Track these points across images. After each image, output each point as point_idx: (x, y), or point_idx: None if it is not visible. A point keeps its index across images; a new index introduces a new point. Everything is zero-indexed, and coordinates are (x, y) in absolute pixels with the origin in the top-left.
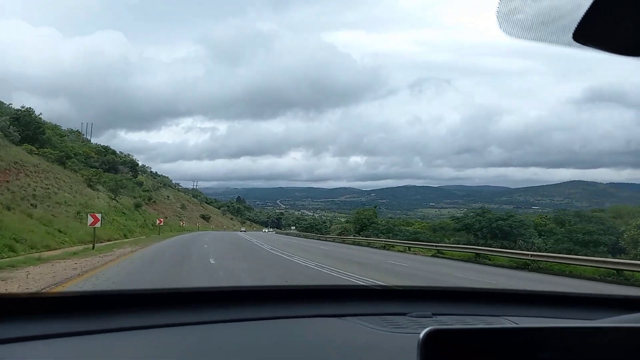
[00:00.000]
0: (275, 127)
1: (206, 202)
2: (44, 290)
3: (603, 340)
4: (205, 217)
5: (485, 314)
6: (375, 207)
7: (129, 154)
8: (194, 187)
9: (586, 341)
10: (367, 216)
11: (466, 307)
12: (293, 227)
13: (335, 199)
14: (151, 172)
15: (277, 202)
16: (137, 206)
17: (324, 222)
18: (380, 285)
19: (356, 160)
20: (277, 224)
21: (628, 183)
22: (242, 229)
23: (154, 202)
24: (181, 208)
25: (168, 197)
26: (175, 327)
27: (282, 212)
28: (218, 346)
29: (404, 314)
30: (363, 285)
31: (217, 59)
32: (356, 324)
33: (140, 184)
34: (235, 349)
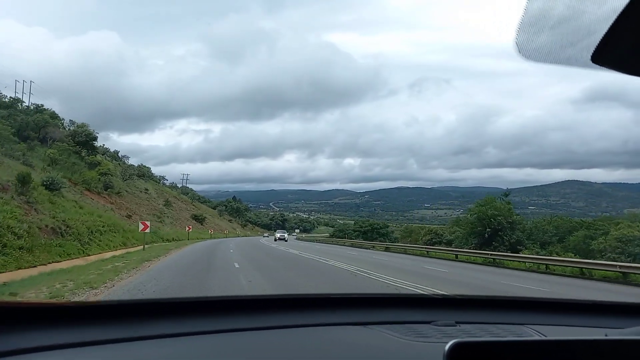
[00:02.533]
0: (271, 128)
1: (199, 201)
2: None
3: (629, 352)
4: (199, 218)
5: (510, 322)
6: (507, 200)
7: (84, 124)
8: (183, 180)
9: (620, 354)
10: (500, 212)
11: (490, 315)
12: (297, 230)
13: (329, 201)
14: (126, 159)
15: (270, 204)
16: (50, 187)
17: (385, 226)
18: (406, 294)
19: (350, 162)
20: (281, 226)
21: (622, 183)
22: (266, 235)
23: (119, 193)
24: (164, 205)
25: (146, 190)
26: (201, 335)
27: (282, 214)
28: (245, 354)
29: (429, 322)
30: (389, 294)
31: (215, 57)
32: (381, 332)
33: (94, 164)
34: (261, 356)
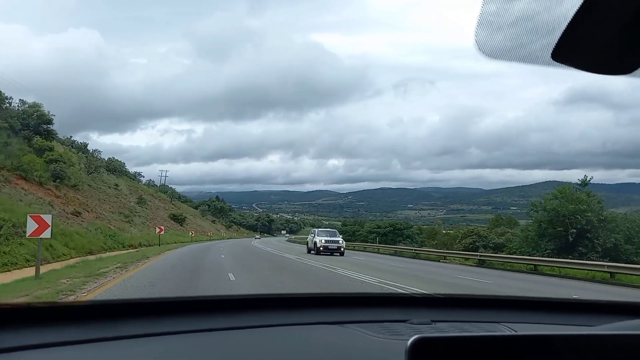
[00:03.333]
0: (255, 128)
1: (179, 200)
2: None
3: (594, 347)
4: (178, 219)
5: (484, 320)
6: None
7: (36, 104)
8: (161, 177)
9: (569, 348)
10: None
11: (466, 313)
12: (284, 232)
13: (312, 202)
14: (98, 152)
15: (253, 205)
16: None
17: (409, 226)
18: (383, 293)
19: (334, 162)
20: (268, 227)
21: (601, 183)
22: (257, 237)
23: (75, 186)
24: (137, 203)
25: (116, 186)
26: (180, 334)
27: (268, 215)
28: (222, 353)
29: (404, 321)
30: (365, 293)
31: (199, 55)
32: (355, 331)
33: (42, 150)
34: (238, 356)
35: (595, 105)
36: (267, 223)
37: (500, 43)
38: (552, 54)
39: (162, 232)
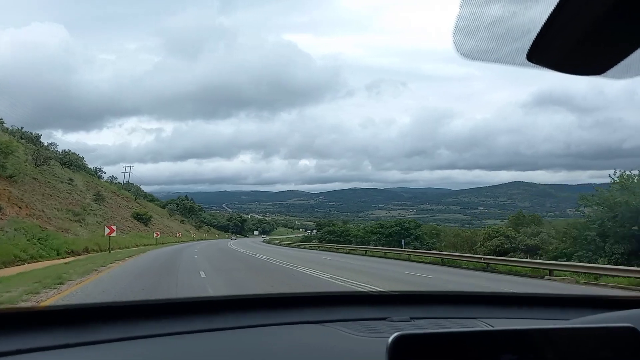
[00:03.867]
0: (226, 128)
1: (145, 199)
2: None
3: (566, 340)
4: (142, 218)
5: (462, 316)
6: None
7: None
8: (125, 173)
9: (543, 341)
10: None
11: (444, 310)
12: (256, 232)
13: (283, 202)
14: (54, 146)
15: (223, 205)
16: None
17: (417, 225)
18: (362, 291)
19: (306, 163)
20: (240, 228)
21: (564, 184)
22: (233, 237)
23: (11, 177)
24: (94, 201)
25: (70, 181)
26: (157, 337)
27: (240, 215)
28: (199, 356)
29: (384, 319)
30: (345, 292)
31: (170, 53)
32: (335, 329)
33: None
34: (218, 357)
35: (560, 108)
36: (239, 223)
37: (477, 44)
38: (527, 54)
39: (114, 234)
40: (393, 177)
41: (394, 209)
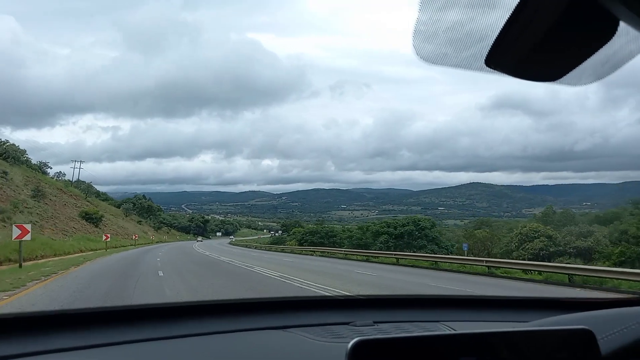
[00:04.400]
0: (187, 126)
1: (98, 197)
2: None
3: (524, 342)
4: (92, 218)
5: (425, 319)
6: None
7: None
8: (74, 169)
9: (503, 344)
10: None
11: (407, 314)
12: (219, 233)
13: (245, 203)
14: None
15: (182, 206)
16: None
17: (433, 224)
18: (325, 296)
19: (269, 163)
20: (202, 229)
21: (519, 185)
22: (199, 239)
23: None
24: (33, 197)
25: (4, 174)
26: (115, 345)
27: (202, 215)
28: None
29: (347, 323)
30: (308, 296)
31: (129, 47)
32: (297, 335)
33: None
34: None
35: (517, 111)
36: (201, 224)
37: (436, 49)
38: (485, 60)
39: (28, 237)
40: (356, 177)
41: (357, 210)
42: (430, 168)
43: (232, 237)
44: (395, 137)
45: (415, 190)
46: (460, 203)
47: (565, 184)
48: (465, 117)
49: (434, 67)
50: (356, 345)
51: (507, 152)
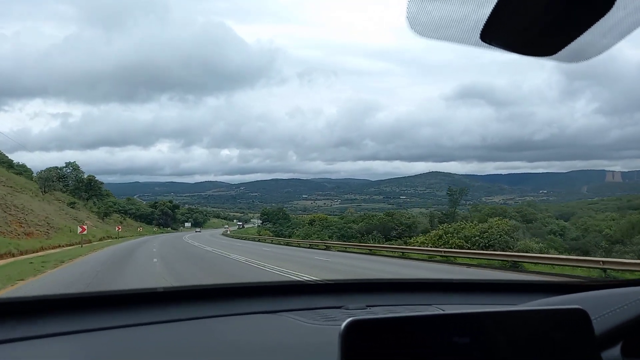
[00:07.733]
0: (144, 114)
1: (11, 170)
2: None
3: (517, 322)
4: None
5: (417, 303)
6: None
7: None
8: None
9: (495, 324)
10: None
11: (399, 297)
12: (188, 224)
13: (202, 193)
14: None
15: (135, 197)
16: None
17: None
18: (318, 280)
19: (227, 153)
20: (171, 218)
21: (475, 174)
22: (197, 230)
23: None
24: None
25: None
26: (108, 330)
27: (170, 202)
28: (152, 348)
29: (340, 307)
30: (299, 281)
31: (85, 24)
32: (289, 318)
33: None
34: (165, 349)
35: (481, 100)
36: (169, 211)
37: (431, 20)
38: (480, 34)
39: None
40: (316, 168)
41: (319, 199)
42: (391, 158)
43: (226, 227)
44: (359, 126)
45: (374, 180)
46: (421, 192)
47: (517, 173)
48: (428, 107)
49: (429, 40)
50: (350, 325)
51: (467, 142)
